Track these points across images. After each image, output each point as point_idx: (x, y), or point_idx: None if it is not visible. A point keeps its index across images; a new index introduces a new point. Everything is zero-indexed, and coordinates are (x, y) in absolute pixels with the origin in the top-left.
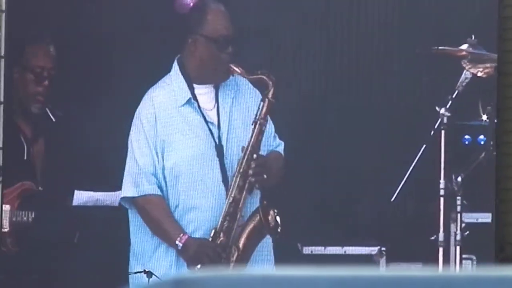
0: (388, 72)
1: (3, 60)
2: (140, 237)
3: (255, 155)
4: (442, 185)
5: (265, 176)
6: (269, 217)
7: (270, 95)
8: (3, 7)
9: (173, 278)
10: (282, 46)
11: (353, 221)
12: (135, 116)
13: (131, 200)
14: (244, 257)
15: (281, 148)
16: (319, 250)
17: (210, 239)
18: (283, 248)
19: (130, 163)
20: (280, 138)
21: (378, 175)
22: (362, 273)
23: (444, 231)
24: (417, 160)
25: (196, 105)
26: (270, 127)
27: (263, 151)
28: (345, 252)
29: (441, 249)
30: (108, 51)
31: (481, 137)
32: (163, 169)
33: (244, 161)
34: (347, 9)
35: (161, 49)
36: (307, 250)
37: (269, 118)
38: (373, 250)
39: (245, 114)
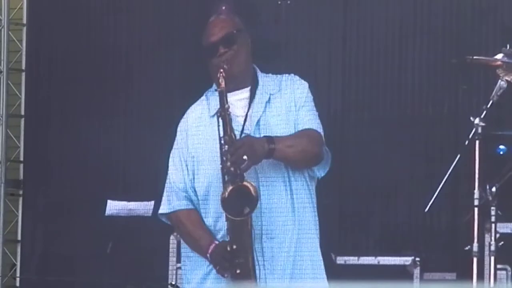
0: (423, 82)
1: (23, 73)
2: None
3: (226, 147)
4: (476, 195)
5: (245, 157)
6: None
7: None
8: (24, 21)
9: None
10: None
11: (387, 231)
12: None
13: (166, 217)
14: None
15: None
16: (352, 260)
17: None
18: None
19: (167, 180)
20: None
21: (412, 185)
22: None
23: (478, 241)
24: (451, 170)
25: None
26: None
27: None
28: (378, 262)
29: (475, 260)
30: (146, 65)
31: None
32: (193, 184)
33: (219, 156)
34: (382, 19)
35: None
36: (340, 260)
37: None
38: (407, 260)
39: (279, 116)
